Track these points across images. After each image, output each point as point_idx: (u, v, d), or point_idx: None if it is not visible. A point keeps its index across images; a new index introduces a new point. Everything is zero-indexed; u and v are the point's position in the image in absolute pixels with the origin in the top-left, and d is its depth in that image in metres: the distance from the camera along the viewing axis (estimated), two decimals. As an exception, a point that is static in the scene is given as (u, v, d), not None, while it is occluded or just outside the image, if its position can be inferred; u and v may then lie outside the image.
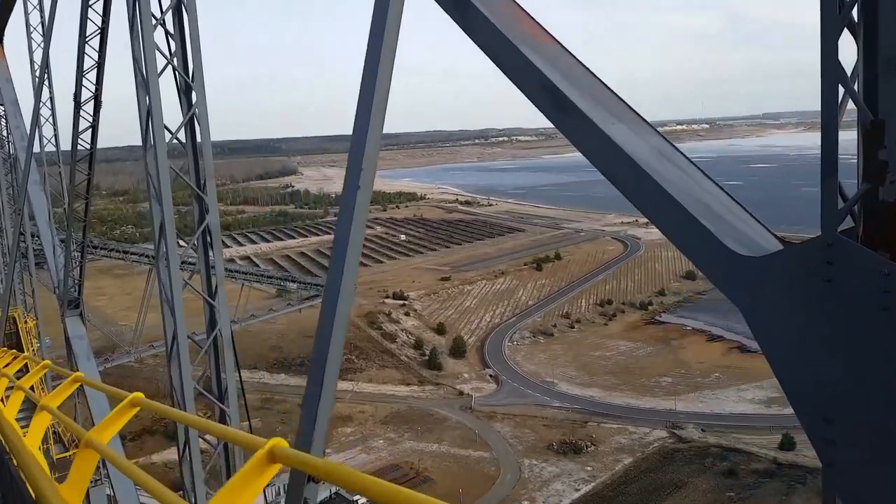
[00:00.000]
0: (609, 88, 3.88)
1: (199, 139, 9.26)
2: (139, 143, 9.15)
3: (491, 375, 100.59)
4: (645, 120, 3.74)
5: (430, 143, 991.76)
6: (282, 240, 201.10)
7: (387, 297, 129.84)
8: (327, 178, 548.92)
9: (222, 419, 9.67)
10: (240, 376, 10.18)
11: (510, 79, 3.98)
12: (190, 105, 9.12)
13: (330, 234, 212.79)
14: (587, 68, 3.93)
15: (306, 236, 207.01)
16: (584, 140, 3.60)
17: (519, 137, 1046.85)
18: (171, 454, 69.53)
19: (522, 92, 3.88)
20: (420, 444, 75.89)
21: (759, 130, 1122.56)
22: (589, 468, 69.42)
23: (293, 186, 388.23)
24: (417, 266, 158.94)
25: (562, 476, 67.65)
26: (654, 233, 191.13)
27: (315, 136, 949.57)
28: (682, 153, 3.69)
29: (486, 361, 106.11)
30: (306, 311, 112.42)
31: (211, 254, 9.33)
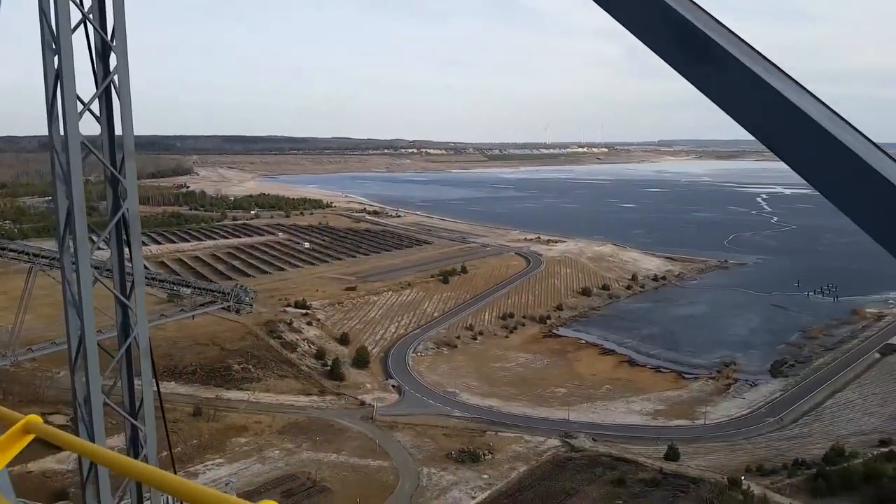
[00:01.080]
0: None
1: (116, 112, 8.00)
2: (20, 133, 7.95)
3: (394, 386, 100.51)
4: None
5: (338, 150, 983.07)
6: (174, 242, 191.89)
7: (288, 305, 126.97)
8: (225, 180, 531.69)
9: (134, 439, 8.62)
10: (158, 390, 9.33)
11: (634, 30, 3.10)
12: (107, 71, 7.81)
13: (229, 238, 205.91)
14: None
15: (201, 240, 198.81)
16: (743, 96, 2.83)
17: (429, 150, 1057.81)
18: (49, 463, 64.68)
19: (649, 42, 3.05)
20: (318, 454, 74.56)
21: (654, 156, 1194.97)
22: (486, 476, 70.70)
23: (188, 187, 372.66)
24: (321, 275, 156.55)
25: (459, 484, 68.51)
26: (554, 249, 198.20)
27: (213, 136, 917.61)
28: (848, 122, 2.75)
29: (390, 372, 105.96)
30: (200, 317, 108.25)
31: (126, 249, 8.27)
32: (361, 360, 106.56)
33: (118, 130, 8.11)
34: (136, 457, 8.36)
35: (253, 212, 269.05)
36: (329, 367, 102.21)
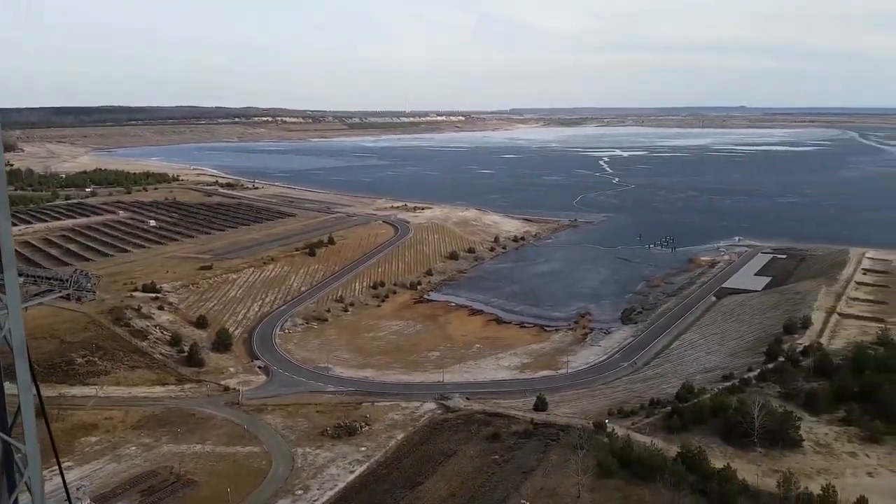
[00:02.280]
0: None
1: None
2: None
3: (260, 367, 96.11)
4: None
5: (184, 119, 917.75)
6: None
7: (135, 290, 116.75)
8: (54, 155, 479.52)
9: (7, 462, 6.39)
10: (39, 396, 6.67)
11: None
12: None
13: (62, 219, 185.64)
14: None
15: (30, 222, 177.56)
16: None
17: (285, 119, 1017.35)
18: None
19: None
20: (181, 447, 69.53)
21: (507, 124, 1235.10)
22: (363, 448, 69.69)
23: (12, 165, 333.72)
24: (171, 255, 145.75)
25: (336, 460, 66.93)
26: (421, 216, 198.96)
27: (39, 108, 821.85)
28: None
29: (255, 353, 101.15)
30: (34, 308, 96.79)
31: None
32: (222, 343, 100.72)
33: None
34: (11, 486, 6.08)
35: (89, 189, 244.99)
36: (186, 354, 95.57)
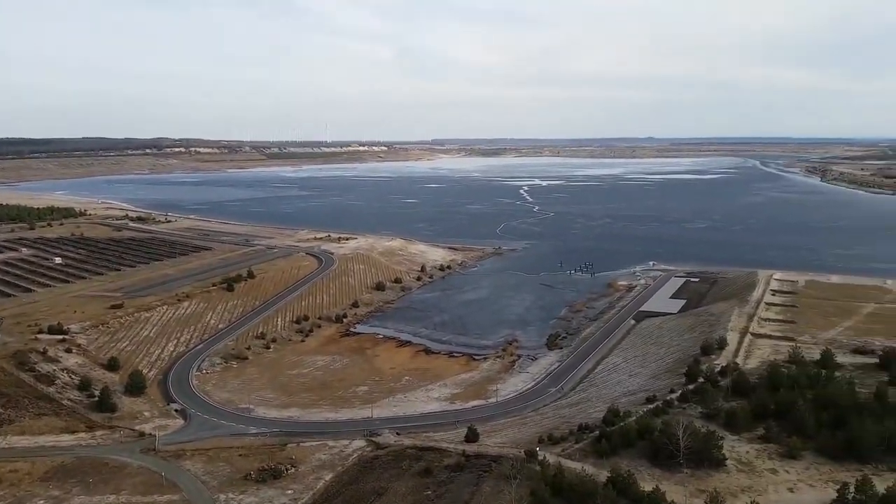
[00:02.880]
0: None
1: None
2: None
3: (177, 410, 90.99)
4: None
5: (91, 151, 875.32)
6: None
7: (40, 331, 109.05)
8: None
9: None
10: None
11: None
12: None
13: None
14: None
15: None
16: None
17: (199, 149, 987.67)
18: None
19: None
20: (94, 498, 64.41)
21: (429, 153, 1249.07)
22: (290, 491, 66.76)
23: None
24: (79, 294, 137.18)
25: (262, 505, 63.82)
26: (345, 247, 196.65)
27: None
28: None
29: (171, 395, 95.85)
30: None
31: None
32: (136, 386, 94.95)
33: None
34: None
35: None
36: (97, 398, 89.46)
